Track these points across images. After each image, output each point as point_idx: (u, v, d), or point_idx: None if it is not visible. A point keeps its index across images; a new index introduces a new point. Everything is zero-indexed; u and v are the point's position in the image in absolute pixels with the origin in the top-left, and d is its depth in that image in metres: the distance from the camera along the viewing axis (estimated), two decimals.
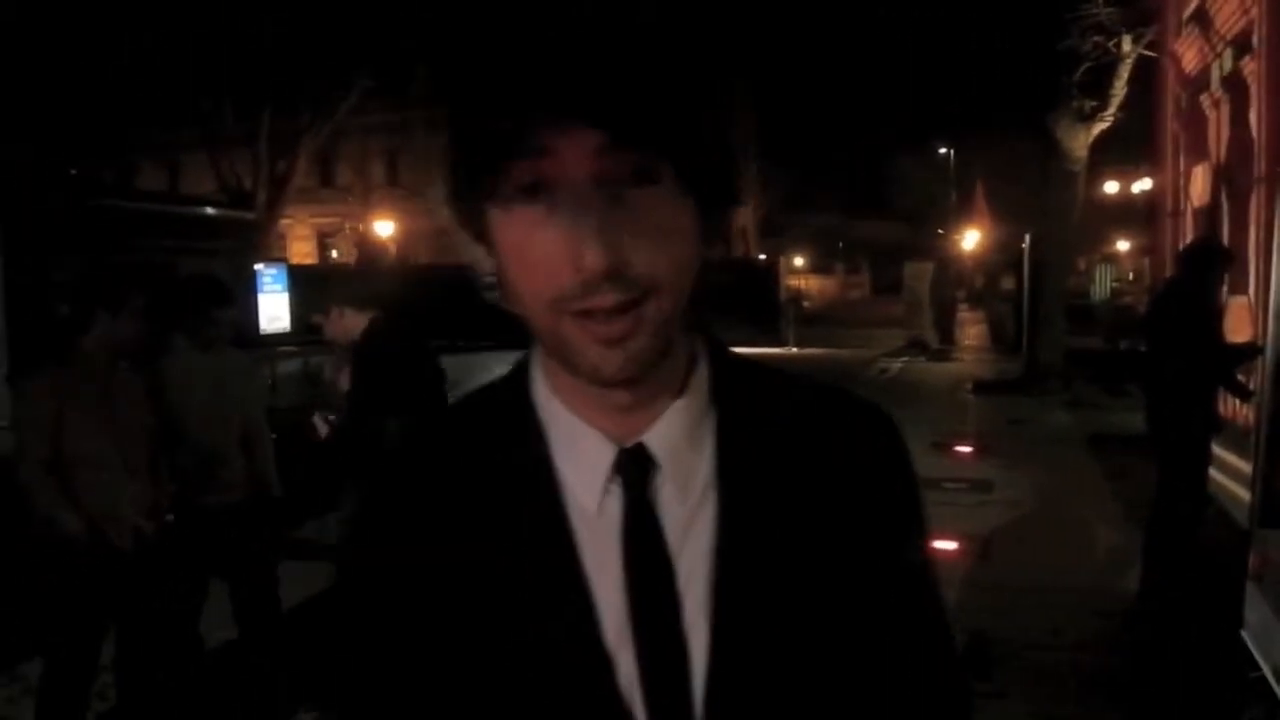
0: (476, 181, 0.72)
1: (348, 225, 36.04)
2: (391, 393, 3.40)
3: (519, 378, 0.84)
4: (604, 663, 0.76)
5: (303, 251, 36.37)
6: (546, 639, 0.77)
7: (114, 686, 3.60)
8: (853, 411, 0.87)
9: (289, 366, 18.10)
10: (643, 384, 0.76)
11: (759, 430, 0.82)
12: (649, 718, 0.76)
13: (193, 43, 18.12)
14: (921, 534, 0.88)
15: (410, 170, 37.54)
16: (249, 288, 16.85)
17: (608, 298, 0.70)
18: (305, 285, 19.71)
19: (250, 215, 19.60)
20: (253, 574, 4.00)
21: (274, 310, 17.41)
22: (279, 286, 18.07)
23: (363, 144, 36.34)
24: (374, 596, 0.82)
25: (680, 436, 0.80)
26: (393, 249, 30.34)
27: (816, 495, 0.81)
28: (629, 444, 0.79)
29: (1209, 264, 5.03)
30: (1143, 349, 5.46)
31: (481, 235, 0.76)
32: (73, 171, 23.99)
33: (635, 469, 0.78)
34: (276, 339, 17.37)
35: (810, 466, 0.82)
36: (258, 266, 17.79)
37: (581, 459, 0.79)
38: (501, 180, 0.70)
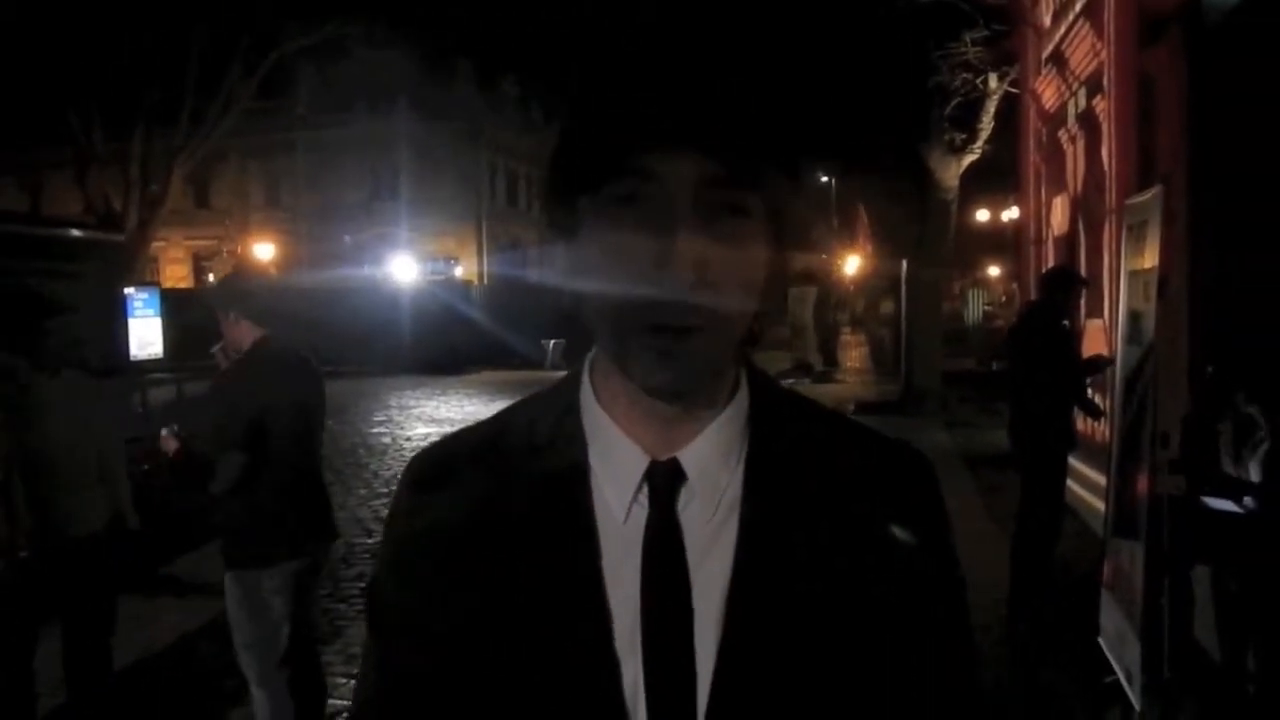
0: (580, 186, 0.77)
1: (225, 248, 34.92)
2: (256, 419, 3.27)
3: (572, 384, 0.87)
4: (610, 666, 0.78)
5: (177, 275, 35.07)
6: (557, 637, 0.79)
7: None
8: (890, 454, 0.88)
9: (163, 394, 17.32)
10: (689, 400, 0.81)
11: (791, 458, 0.84)
12: None
13: (59, 55, 17.31)
14: (955, 578, 0.87)
15: (291, 193, 36.64)
16: (118, 312, 16.11)
17: (678, 314, 0.74)
18: (180, 310, 19.00)
19: (120, 237, 18.76)
20: (88, 615, 3.73)
21: (146, 335, 16.69)
22: (151, 311, 17.32)
23: (241, 165, 35.37)
24: (407, 581, 0.85)
25: (713, 455, 0.83)
26: (273, 272, 29.49)
27: (842, 529, 0.82)
28: (664, 458, 0.82)
29: (1065, 289, 5.33)
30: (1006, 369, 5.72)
31: (567, 234, 0.80)
32: None
33: (664, 482, 0.81)
34: (149, 365, 16.66)
35: (840, 500, 0.83)
36: (128, 290, 17.02)
37: (616, 468, 0.83)
38: (606, 189, 0.76)
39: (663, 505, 0.81)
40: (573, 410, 0.86)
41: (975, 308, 29.17)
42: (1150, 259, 3.90)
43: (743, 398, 0.86)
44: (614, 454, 0.83)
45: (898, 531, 0.84)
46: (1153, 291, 3.83)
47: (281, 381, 3.36)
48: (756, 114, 0.76)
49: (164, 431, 3.31)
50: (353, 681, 4.41)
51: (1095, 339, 7.51)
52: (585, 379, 0.87)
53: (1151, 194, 4.00)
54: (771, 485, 0.83)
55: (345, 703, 4.20)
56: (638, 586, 0.80)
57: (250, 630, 3.29)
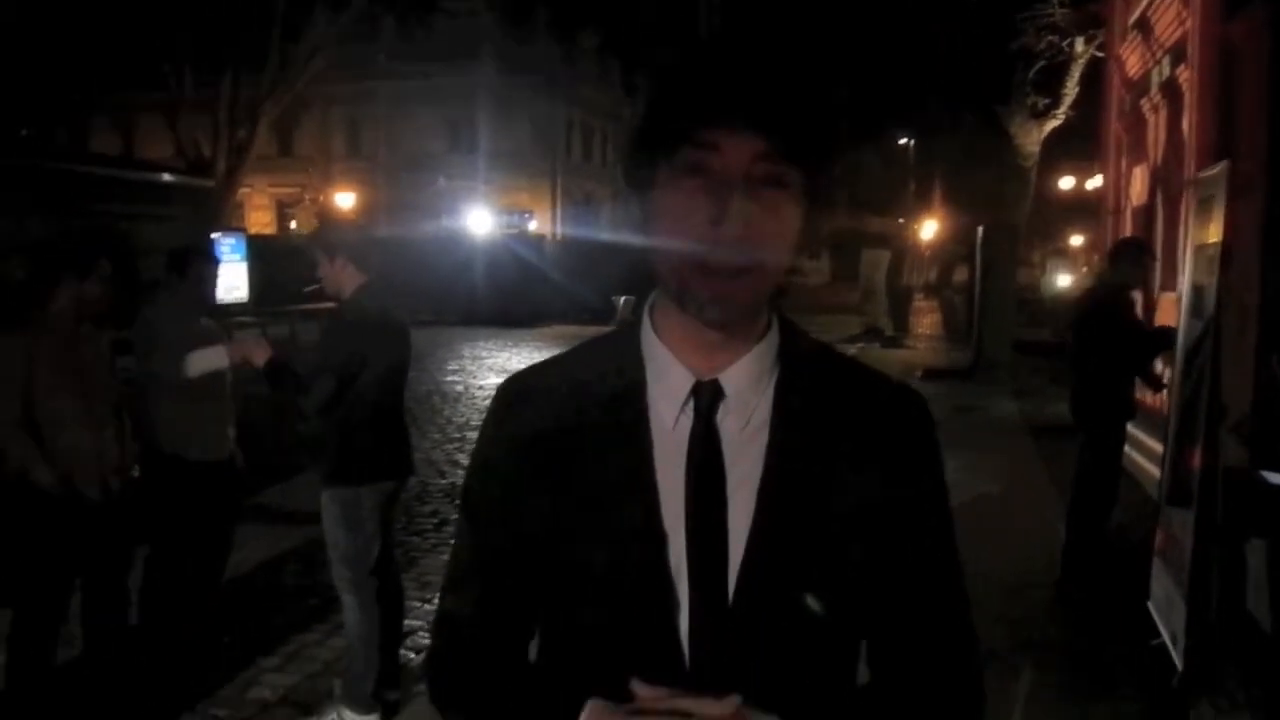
0: (657, 151, 0.97)
1: (307, 196, 35.66)
2: (353, 364, 3.54)
3: (634, 324, 1.09)
4: (659, 540, 1.00)
5: (261, 221, 35.92)
6: (618, 517, 1.01)
7: (80, 635, 3.73)
8: (892, 388, 1.10)
9: (247, 336, 18.02)
10: (731, 331, 1.02)
11: (811, 386, 1.05)
12: (692, 587, 1.00)
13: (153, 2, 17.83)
14: (940, 492, 1.09)
15: (371, 142, 37.19)
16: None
17: (730, 260, 0.94)
18: (263, 256, 19.62)
19: (209, 183, 19.38)
20: (215, 534, 4.20)
21: (232, 280, 17.33)
22: (237, 256, 17.96)
23: (324, 114, 35.94)
24: (496, 477, 1.09)
25: (747, 379, 1.04)
26: (359, 222, 30.10)
27: (851, 444, 1.04)
28: (707, 378, 1.03)
29: (1132, 260, 5.34)
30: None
31: (641, 190, 1.01)
32: (24, 132, 23.53)
33: (707, 397, 1.03)
34: (235, 309, 17.31)
35: (849, 422, 1.05)
36: (215, 235, 17.65)
37: (668, 385, 1.04)
38: (678, 154, 0.95)
39: (705, 416, 1.03)
40: (634, 342, 1.08)
41: (1055, 277, 28.58)
42: (1215, 233, 3.92)
43: (774, 336, 1.07)
44: (667, 374, 1.05)
45: (894, 448, 1.06)
46: (1216, 266, 3.86)
47: (380, 324, 3.62)
48: (802, 107, 0.96)
49: (253, 341, 3.61)
50: (426, 605, 4.75)
51: (1169, 313, 7.44)
52: (645, 318, 1.08)
53: (1219, 169, 4.01)
54: (794, 406, 1.04)
55: (420, 623, 4.51)
56: (683, 480, 1.02)
57: (347, 543, 3.59)
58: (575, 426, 1.05)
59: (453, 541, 1.18)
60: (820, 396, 1.05)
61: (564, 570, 1.04)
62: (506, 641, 1.10)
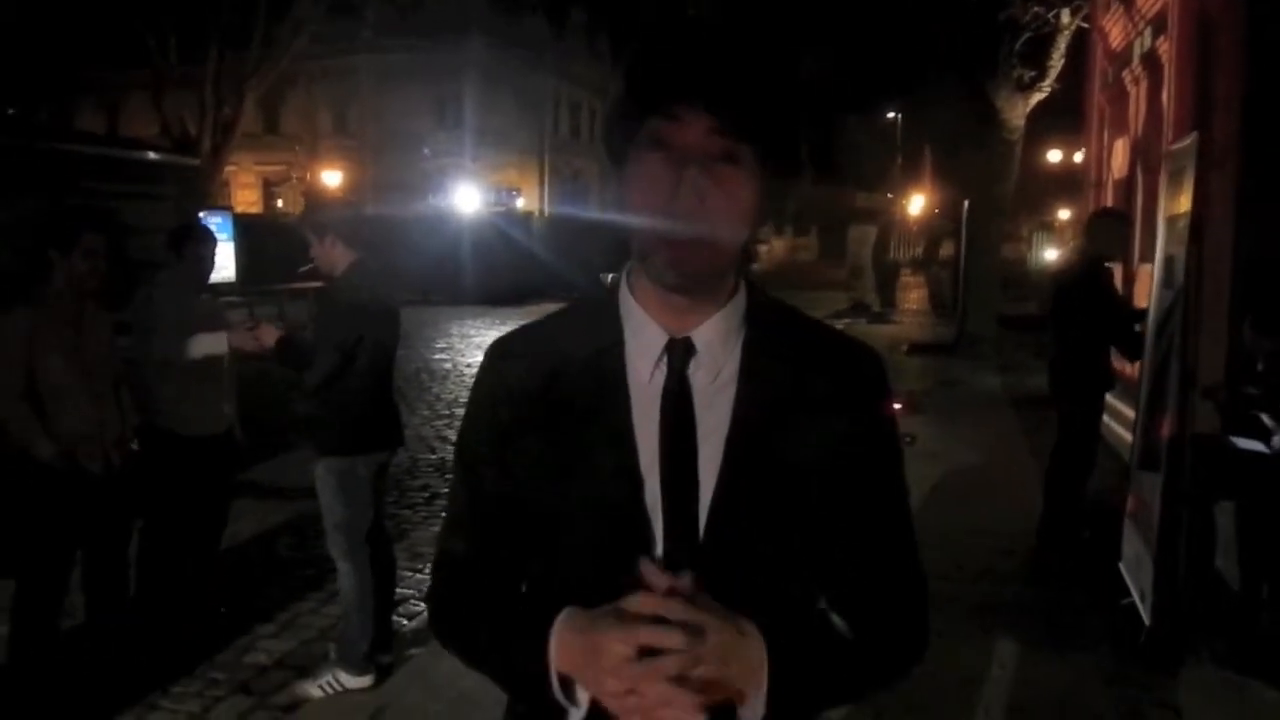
0: (627, 127, 1.06)
1: (294, 174, 35.44)
2: (350, 340, 3.62)
3: (614, 287, 1.19)
4: (636, 482, 1.10)
5: (248, 200, 35.69)
6: (599, 461, 1.11)
7: (83, 605, 3.81)
8: (851, 346, 1.20)
9: (234, 318, 17.96)
10: (696, 295, 1.11)
11: (776, 344, 1.15)
12: (666, 525, 1.10)
13: None
14: (891, 440, 1.19)
15: (358, 119, 36.95)
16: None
17: (685, 230, 1.03)
18: (250, 235, 19.57)
19: (194, 161, 19.27)
20: (211, 506, 4.31)
21: (218, 260, 17.31)
22: (224, 235, 17.91)
23: (309, 90, 35.65)
24: (488, 427, 1.18)
25: (715, 337, 1.13)
26: (348, 200, 29.90)
27: (811, 396, 1.13)
28: (679, 336, 1.12)
29: (1108, 232, 5.43)
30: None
31: (619, 165, 1.10)
32: (10, 111, 23.36)
33: (679, 353, 1.12)
34: (222, 289, 17.30)
35: (809, 375, 1.14)
36: (201, 214, 17.59)
37: (643, 343, 1.14)
38: (643, 129, 1.04)
39: (677, 370, 1.13)
40: (613, 304, 1.18)
41: (1041, 251, 28.71)
42: (1186, 204, 4.02)
43: (740, 298, 1.17)
44: (643, 332, 1.14)
45: (849, 400, 1.16)
46: (1186, 236, 3.96)
47: (372, 302, 3.71)
48: (753, 88, 1.04)
49: (264, 325, 3.70)
50: (417, 575, 4.86)
51: (1147, 284, 7.55)
52: (624, 280, 1.19)
53: (1189, 141, 4.10)
54: (760, 362, 1.14)
55: (411, 591, 4.62)
56: (658, 428, 1.12)
57: (342, 512, 3.70)
58: (559, 381, 1.14)
59: (448, 491, 1.28)
60: (783, 353, 1.15)
61: (551, 510, 1.14)
62: (499, 577, 1.20)
